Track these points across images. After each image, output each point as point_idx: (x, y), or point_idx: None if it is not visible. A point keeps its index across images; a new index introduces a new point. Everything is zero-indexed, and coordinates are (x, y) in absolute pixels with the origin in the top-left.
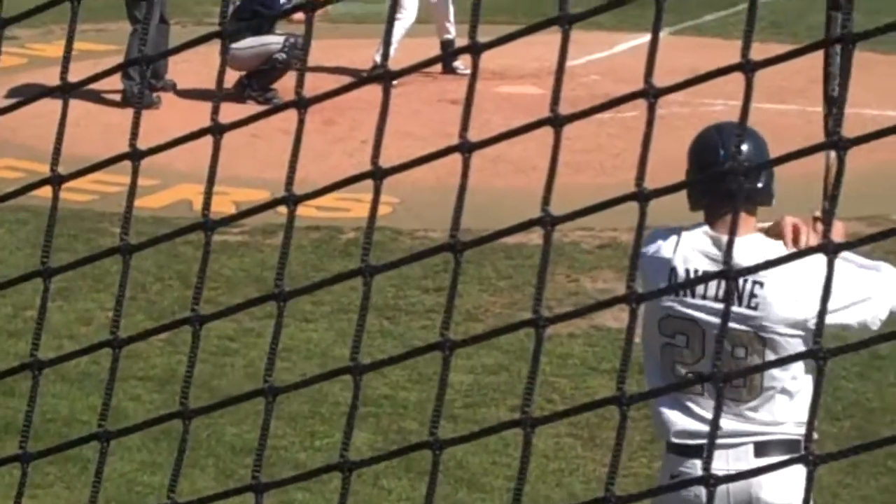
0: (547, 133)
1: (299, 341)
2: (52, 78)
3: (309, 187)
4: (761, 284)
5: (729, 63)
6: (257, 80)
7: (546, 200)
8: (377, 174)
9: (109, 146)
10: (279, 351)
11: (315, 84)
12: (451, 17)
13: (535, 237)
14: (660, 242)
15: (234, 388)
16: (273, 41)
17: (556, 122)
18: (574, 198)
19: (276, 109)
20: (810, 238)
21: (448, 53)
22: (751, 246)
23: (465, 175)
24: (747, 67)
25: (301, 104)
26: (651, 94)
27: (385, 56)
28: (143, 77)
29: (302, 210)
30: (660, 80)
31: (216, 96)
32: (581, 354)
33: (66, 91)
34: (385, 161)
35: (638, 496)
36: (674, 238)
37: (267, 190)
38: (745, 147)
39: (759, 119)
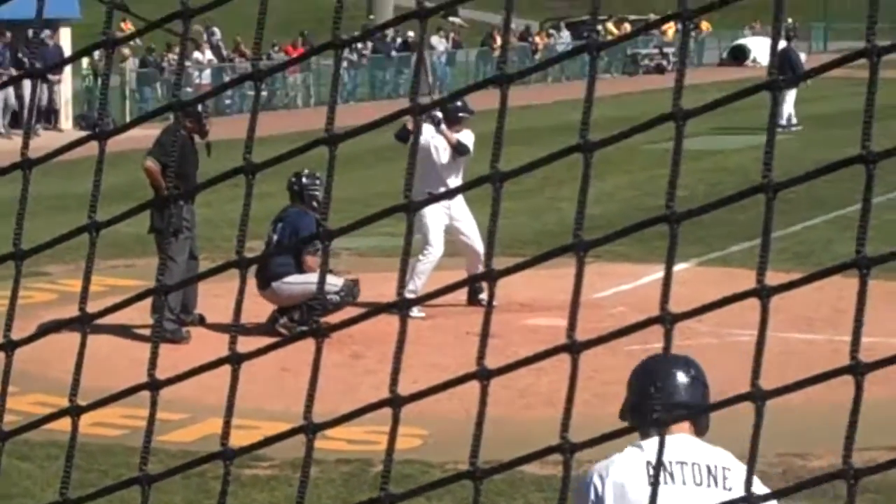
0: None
1: None
2: None
3: None
4: (730, 469)
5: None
6: (301, 314)
7: (565, 427)
8: (395, 402)
9: (135, 380)
10: None
11: (342, 317)
12: (482, 252)
13: None
14: (600, 473)
15: None
16: (330, 282)
17: (574, 348)
18: (604, 428)
19: (292, 339)
20: None
21: (465, 281)
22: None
23: (483, 402)
24: (763, 293)
25: (319, 333)
26: (667, 320)
27: (402, 285)
28: (162, 308)
29: (331, 443)
30: (684, 310)
31: (234, 326)
32: None
33: (84, 322)
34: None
35: None
36: (605, 463)
37: (296, 424)
38: (684, 378)
39: (787, 348)
